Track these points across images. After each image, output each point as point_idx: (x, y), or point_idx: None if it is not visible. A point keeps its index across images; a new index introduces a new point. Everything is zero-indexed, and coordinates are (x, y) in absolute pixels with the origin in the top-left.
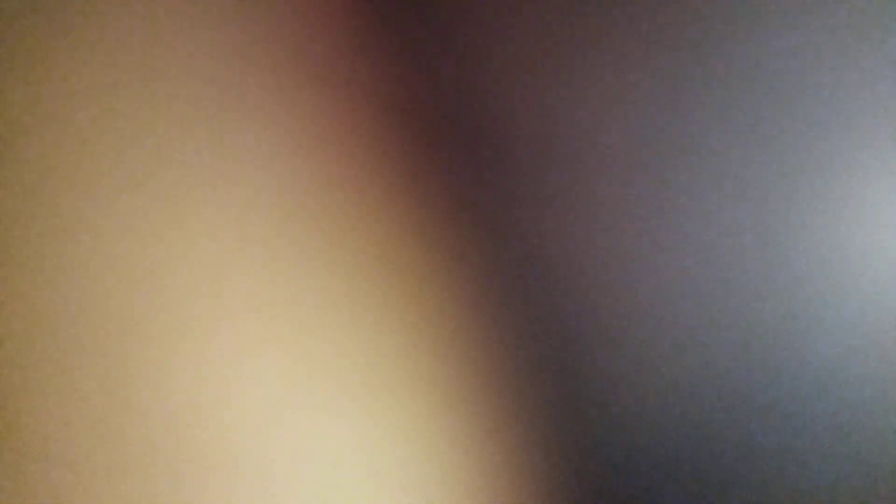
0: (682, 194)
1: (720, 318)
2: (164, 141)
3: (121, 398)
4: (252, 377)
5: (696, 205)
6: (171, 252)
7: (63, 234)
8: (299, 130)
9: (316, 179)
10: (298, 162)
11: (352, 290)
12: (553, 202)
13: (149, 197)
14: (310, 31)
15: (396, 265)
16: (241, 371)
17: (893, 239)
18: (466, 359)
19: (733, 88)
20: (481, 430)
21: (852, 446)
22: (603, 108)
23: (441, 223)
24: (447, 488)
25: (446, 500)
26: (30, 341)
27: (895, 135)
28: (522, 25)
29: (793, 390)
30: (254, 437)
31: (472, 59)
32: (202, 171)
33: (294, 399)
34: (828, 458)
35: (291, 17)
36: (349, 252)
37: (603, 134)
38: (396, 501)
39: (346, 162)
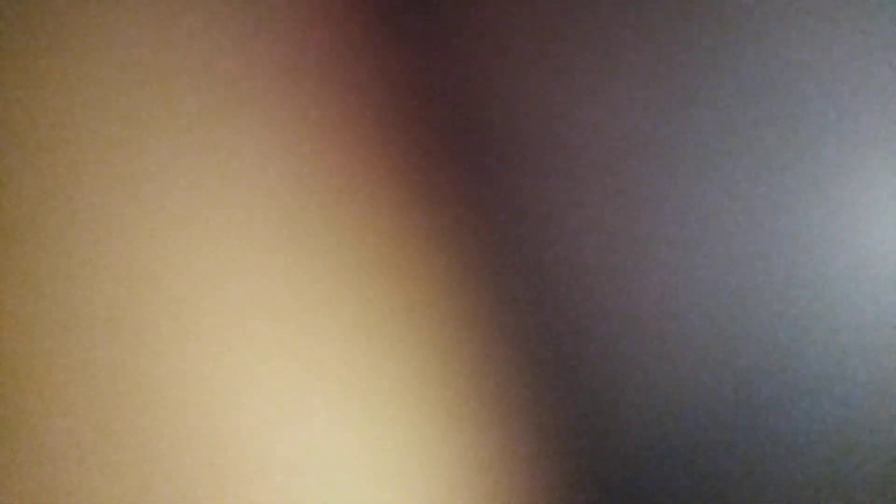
0: (684, 196)
1: (721, 318)
2: (164, 142)
3: (122, 400)
4: (254, 379)
5: (698, 206)
6: (172, 253)
7: (65, 235)
8: (302, 131)
9: (319, 181)
10: (301, 163)
11: (354, 292)
12: (555, 203)
13: (150, 198)
14: (311, 32)
15: (399, 267)
16: (243, 372)
17: (893, 239)
18: (469, 361)
19: (735, 90)
20: (484, 432)
21: (854, 445)
22: (606, 111)
23: (443, 225)
24: (449, 489)
25: (449, 501)
26: (31, 343)
27: (895, 135)
28: (526, 27)
29: (793, 390)
30: (256, 439)
31: (476, 61)
32: (204, 173)
33: (296, 400)
34: (829, 458)
35: (293, 17)
36: (352, 254)
37: (606, 135)
38: (399, 502)
39: (350, 164)
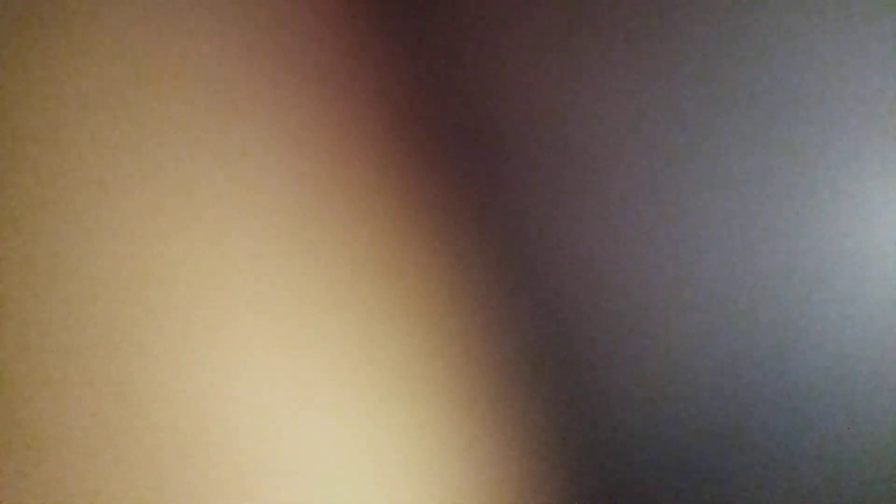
0: (684, 195)
1: (721, 317)
2: (165, 142)
3: (123, 399)
4: (255, 378)
5: (698, 205)
6: (174, 254)
7: (65, 235)
8: (303, 131)
9: (319, 180)
10: (302, 162)
11: (355, 291)
12: (555, 203)
13: (151, 198)
14: (312, 32)
15: (400, 266)
16: (243, 371)
17: (894, 239)
18: (469, 359)
19: (737, 90)
20: (483, 430)
21: (853, 445)
22: (606, 109)
23: (443, 224)
24: (449, 487)
25: (448, 500)
26: (33, 342)
27: (895, 135)
28: (527, 27)
29: (793, 389)
30: (256, 438)
31: (476, 60)
32: (204, 173)
33: (297, 399)
34: (828, 457)
35: (293, 17)
36: (353, 253)
37: (606, 134)
38: (398, 501)
39: (350, 163)
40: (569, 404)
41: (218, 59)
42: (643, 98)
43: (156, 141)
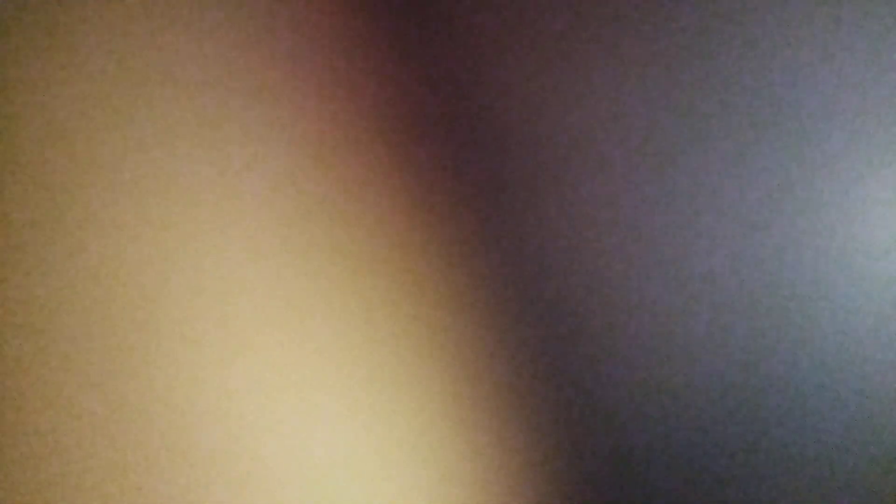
0: (682, 194)
1: (721, 317)
2: (166, 142)
3: (121, 398)
4: (252, 379)
5: (697, 204)
6: (172, 254)
7: (65, 235)
8: (302, 130)
9: (318, 180)
10: (301, 162)
11: (353, 291)
12: (553, 202)
13: (151, 198)
14: (311, 32)
15: (398, 267)
16: (241, 372)
17: (894, 239)
18: (467, 361)
19: (734, 86)
20: (481, 433)
21: (852, 445)
22: (603, 107)
23: (442, 225)
24: (446, 490)
25: (449, 498)
26: (32, 340)
27: (895, 135)
28: (523, 25)
29: (792, 390)
30: (254, 439)
31: (473, 60)
32: (204, 173)
33: (294, 401)
34: (828, 457)
35: (292, 17)
36: (351, 253)
37: (604, 133)
38: (397, 501)
39: (348, 162)
40: (567, 404)
41: (217, 59)
42: (641, 97)
43: (154, 140)
